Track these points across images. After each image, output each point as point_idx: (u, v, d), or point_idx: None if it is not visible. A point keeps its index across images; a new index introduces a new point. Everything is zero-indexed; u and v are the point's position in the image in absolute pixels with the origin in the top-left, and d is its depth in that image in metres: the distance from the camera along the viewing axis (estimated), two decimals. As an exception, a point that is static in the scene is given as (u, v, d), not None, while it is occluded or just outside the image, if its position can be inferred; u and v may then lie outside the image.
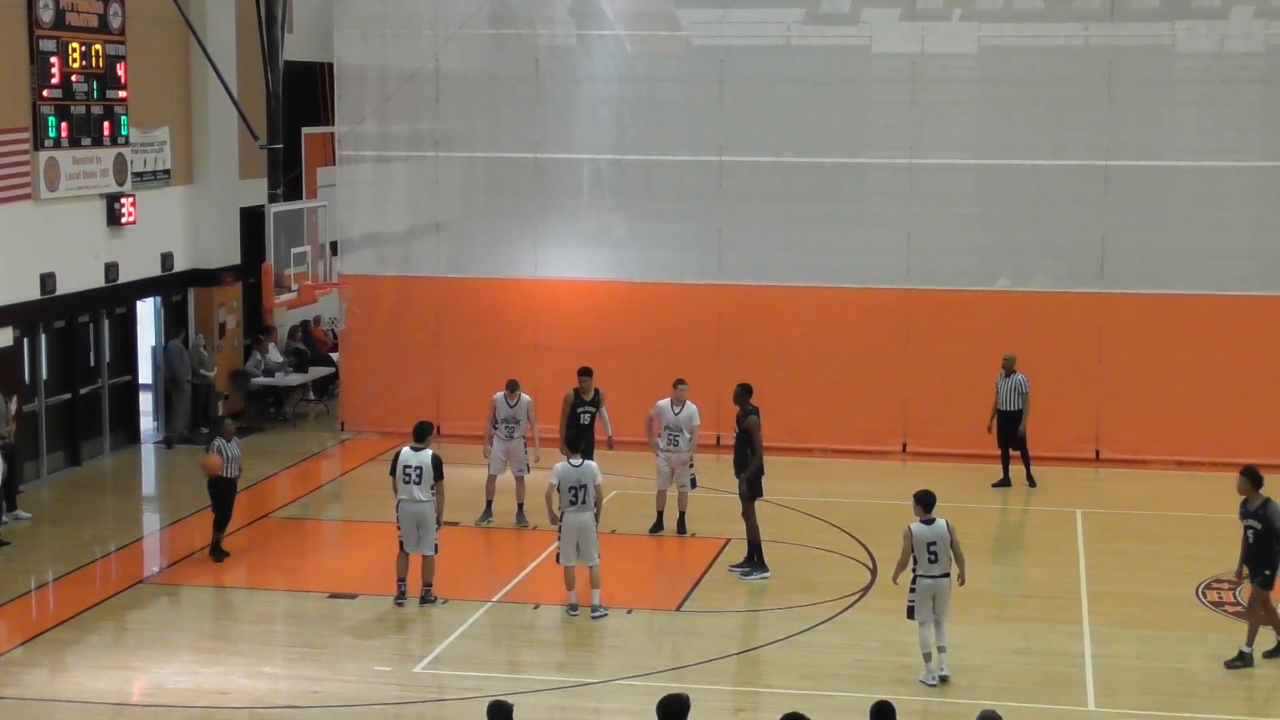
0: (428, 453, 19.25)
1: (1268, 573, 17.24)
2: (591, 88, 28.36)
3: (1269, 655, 17.38)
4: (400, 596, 19.19)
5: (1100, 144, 26.75)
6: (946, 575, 16.75)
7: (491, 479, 22.72)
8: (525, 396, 22.70)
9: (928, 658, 16.81)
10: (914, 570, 16.77)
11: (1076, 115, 26.97)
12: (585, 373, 22.71)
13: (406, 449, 19.30)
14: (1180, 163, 26.74)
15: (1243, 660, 17.28)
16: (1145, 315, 26.73)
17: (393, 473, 19.28)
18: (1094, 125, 26.85)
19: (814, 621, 18.61)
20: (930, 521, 16.73)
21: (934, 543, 16.64)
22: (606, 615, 18.76)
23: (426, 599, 19.18)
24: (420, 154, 28.88)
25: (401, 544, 19.23)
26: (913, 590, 16.82)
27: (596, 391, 22.64)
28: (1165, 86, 27.02)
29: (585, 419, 22.39)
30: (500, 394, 22.66)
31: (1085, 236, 26.96)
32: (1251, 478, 17.38)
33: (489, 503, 22.75)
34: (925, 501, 16.83)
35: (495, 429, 22.67)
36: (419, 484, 19.08)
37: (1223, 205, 26.88)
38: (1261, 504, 17.25)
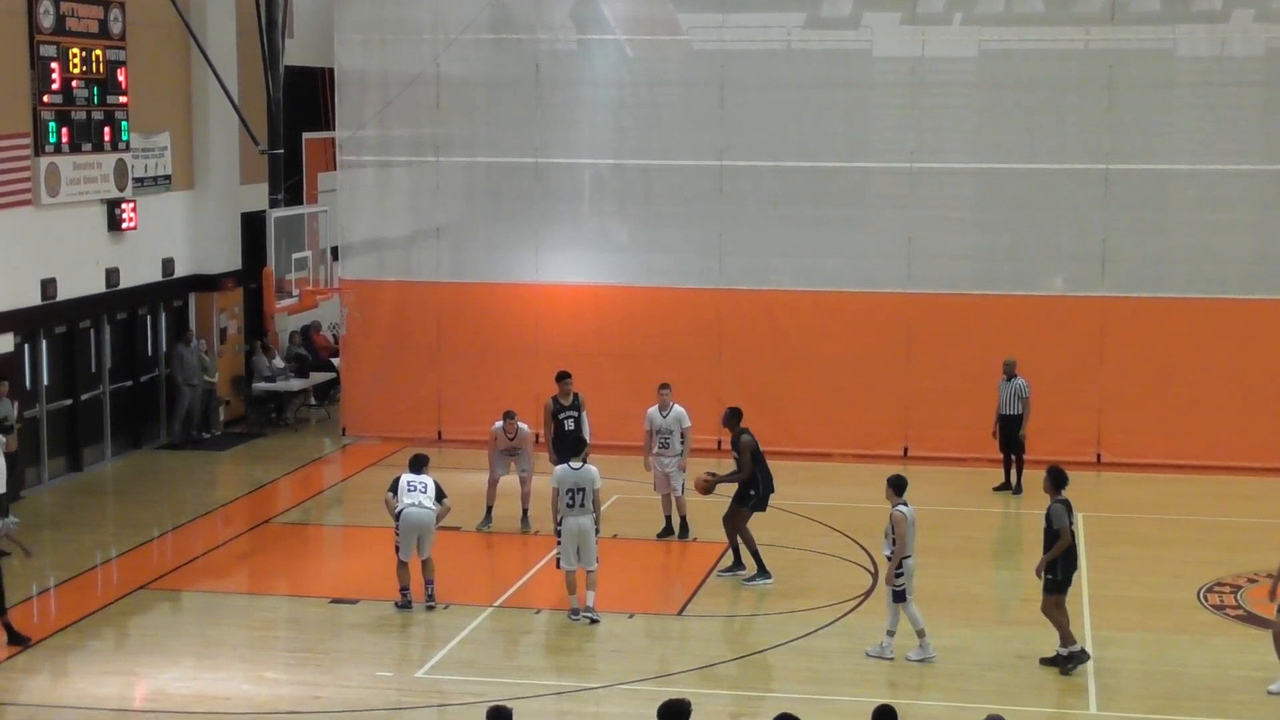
0: (428, 476, 19.45)
1: (1058, 577, 17.21)
2: (592, 92, 28.37)
3: (1045, 662, 17.32)
4: (405, 604, 19.18)
5: (1100, 147, 26.76)
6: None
7: (493, 483, 22.70)
8: (523, 427, 22.61)
9: (922, 634, 17.46)
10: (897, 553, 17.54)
11: (1077, 119, 27.00)
12: (563, 377, 22.58)
13: (405, 474, 19.46)
14: (1181, 166, 26.76)
15: (1066, 661, 17.26)
16: (1146, 318, 26.73)
17: (393, 490, 19.31)
18: (1094, 129, 26.86)
19: (815, 626, 18.61)
20: (906, 504, 17.65)
21: (914, 523, 17.65)
22: (599, 621, 18.74)
23: (430, 598, 19.19)
24: (421, 159, 28.89)
25: (399, 554, 19.18)
26: (900, 574, 17.49)
27: (576, 396, 22.57)
28: (1165, 90, 27.03)
29: (569, 424, 22.27)
30: (499, 424, 22.56)
31: (1086, 240, 26.97)
32: (1050, 479, 17.50)
33: (489, 508, 22.74)
34: (900, 486, 17.73)
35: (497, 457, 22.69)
36: (425, 494, 19.17)
37: (1223, 208, 26.89)
38: (1049, 506, 17.32)
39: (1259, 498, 25.05)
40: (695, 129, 27.98)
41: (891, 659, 17.46)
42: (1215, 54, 26.93)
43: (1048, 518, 17.25)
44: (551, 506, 19.23)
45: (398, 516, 19.15)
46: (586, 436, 22.09)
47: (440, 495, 19.36)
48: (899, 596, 17.51)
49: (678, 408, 22.06)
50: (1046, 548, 17.24)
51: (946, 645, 17.86)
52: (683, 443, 22.03)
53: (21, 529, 22.64)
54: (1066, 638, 17.26)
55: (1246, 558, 21.27)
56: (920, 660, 17.44)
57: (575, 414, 22.38)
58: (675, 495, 22.18)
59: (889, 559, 17.61)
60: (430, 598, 19.21)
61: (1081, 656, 17.23)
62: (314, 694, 16.67)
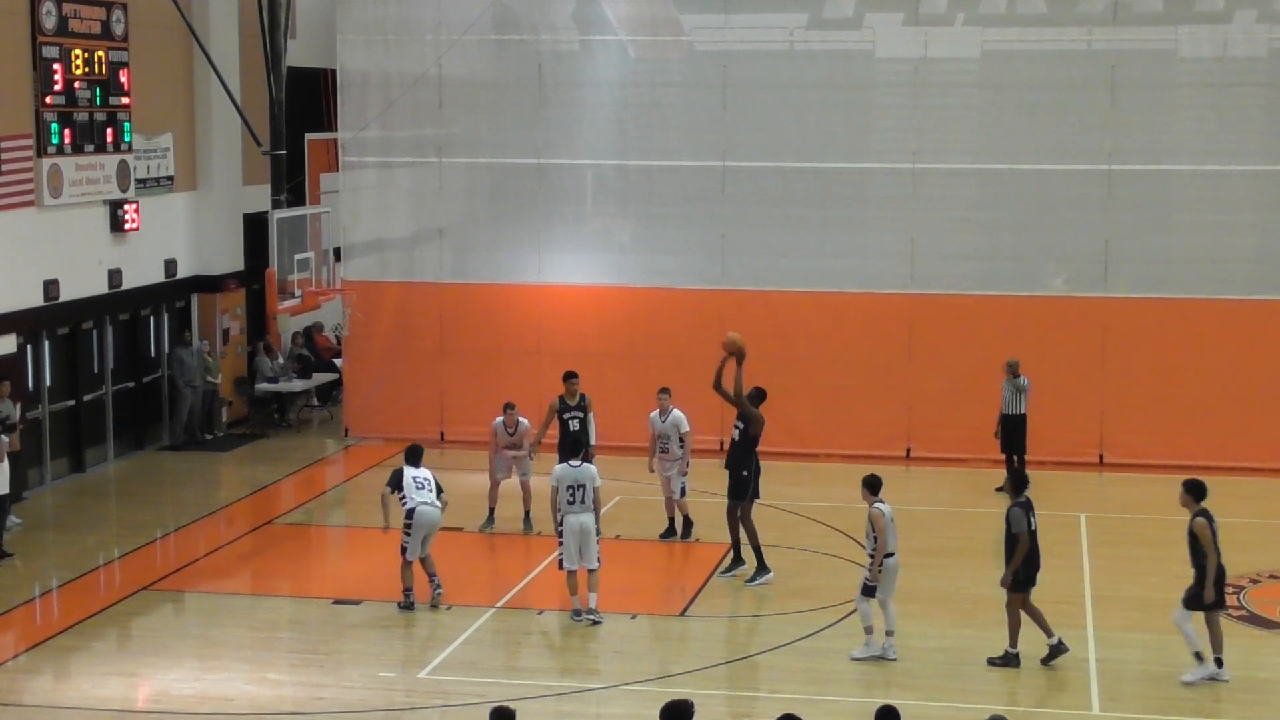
0: (427, 470, 19.44)
1: (1021, 576, 17.38)
2: (594, 93, 28.38)
3: (993, 663, 17.43)
4: (409, 605, 19.16)
5: (1103, 148, 26.77)
6: None
7: (494, 485, 22.69)
8: (524, 421, 22.55)
9: (870, 630, 17.53)
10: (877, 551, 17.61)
11: (1079, 119, 26.99)
12: (569, 376, 22.56)
13: (407, 468, 19.38)
14: (1183, 167, 26.78)
15: (1007, 661, 17.42)
16: (1149, 319, 26.74)
17: (398, 486, 19.22)
18: (1097, 129, 26.87)
19: (817, 626, 18.60)
20: (882, 501, 17.67)
21: (892, 520, 17.63)
22: (601, 622, 18.75)
23: (437, 591, 19.22)
24: (423, 160, 28.91)
25: (406, 554, 19.17)
26: (878, 569, 17.52)
27: (583, 396, 22.53)
28: (1168, 90, 27.03)
29: (574, 425, 22.24)
30: (499, 419, 22.49)
31: (1089, 241, 26.98)
32: (1011, 481, 17.73)
33: (491, 509, 22.74)
34: (875, 485, 17.79)
35: (499, 453, 22.60)
36: (432, 491, 19.18)
37: (1226, 209, 26.90)
38: (1008, 509, 17.46)
39: (1261, 498, 25.05)
40: (698, 130, 27.98)
41: (895, 659, 17.46)
42: (1218, 55, 26.93)
43: (1006, 521, 17.39)
44: (551, 505, 19.24)
45: (410, 514, 19.07)
46: (592, 438, 22.07)
47: (439, 490, 19.36)
48: (868, 591, 17.59)
49: (676, 412, 21.97)
50: (1006, 550, 17.42)
51: (949, 646, 17.91)
52: (682, 447, 21.95)
53: (24, 530, 22.75)
54: (1014, 639, 17.43)
55: (1248, 558, 21.25)
56: (863, 659, 17.49)
57: (580, 415, 22.33)
58: (675, 499, 22.09)
59: (871, 557, 17.65)
60: (438, 587, 19.20)
61: (1014, 661, 17.37)
62: (316, 695, 16.68)
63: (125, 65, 26.50)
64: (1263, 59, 26.97)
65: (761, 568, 20.35)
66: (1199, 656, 16.98)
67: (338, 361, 30.78)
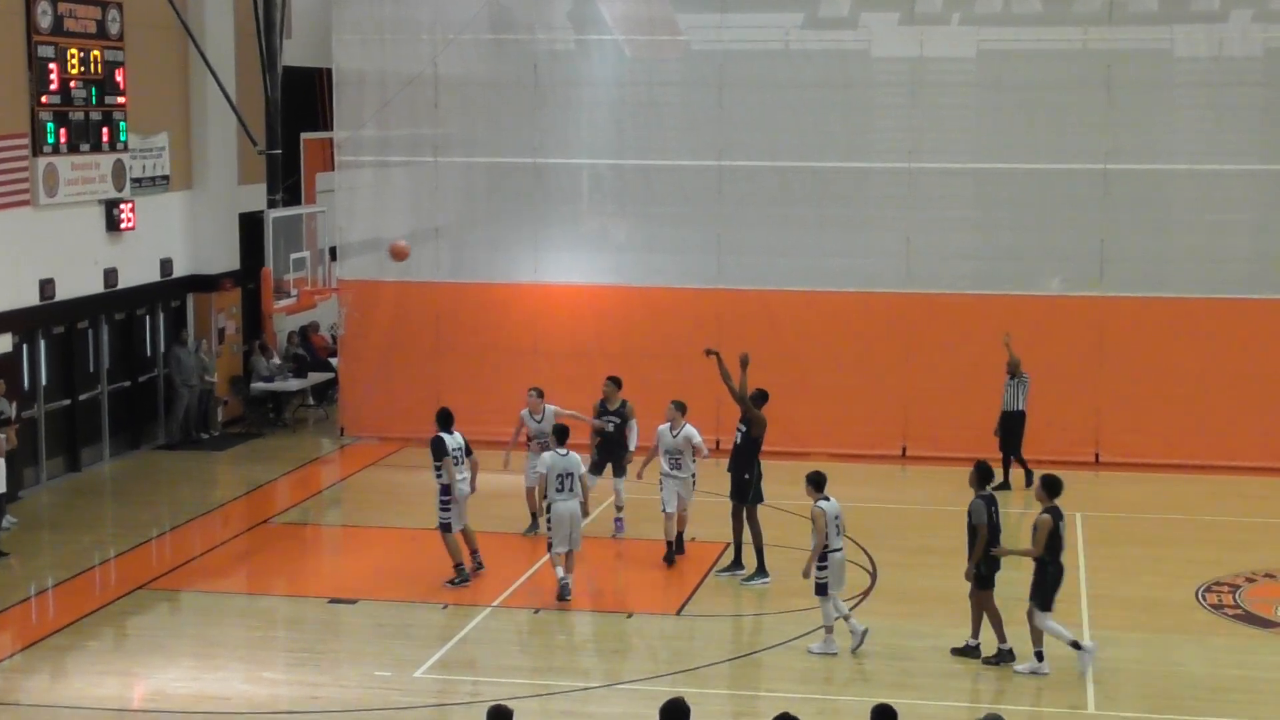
0: (460, 436, 20.11)
1: (984, 571, 17.44)
2: (591, 92, 28.37)
3: (988, 662, 17.45)
4: (464, 579, 19.94)
5: (1099, 148, 26.77)
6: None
7: (530, 490, 22.38)
8: (550, 408, 22.27)
9: (831, 630, 17.67)
10: (824, 547, 17.69)
11: (1076, 119, 27.01)
12: (609, 381, 22.42)
13: (444, 435, 19.93)
14: (1179, 166, 26.79)
15: (1001, 658, 17.47)
16: (1145, 318, 26.74)
17: (443, 455, 19.78)
18: (1093, 129, 26.87)
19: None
20: (827, 499, 17.77)
21: (838, 516, 17.73)
22: (570, 594, 19.25)
23: (479, 567, 20.21)
24: (419, 159, 28.90)
25: (450, 525, 19.85)
26: (824, 567, 17.68)
27: (624, 403, 22.38)
28: (1164, 90, 27.04)
29: (609, 428, 22.21)
30: (525, 410, 22.27)
31: (1085, 240, 26.98)
32: (976, 473, 17.74)
33: (534, 515, 22.31)
34: (820, 482, 17.90)
35: (528, 444, 22.35)
36: (465, 466, 20.02)
37: (1222, 208, 26.91)
38: (971, 501, 17.46)
39: (1258, 497, 25.06)
40: (694, 129, 27.98)
41: (865, 628, 17.66)
42: (1213, 54, 26.96)
43: (968, 514, 17.40)
44: (537, 493, 19.99)
45: (446, 490, 19.80)
46: (631, 444, 22.13)
47: (468, 451, 20.07)
48: (821, 590, 17.67)
49: (689, 428, 21.24)
50: (970, 544, 17.39)
51: (946, 645, 17.86)
52: (694, 461, 21.42)
53: (20, 529, 22.72)
54: (1001, 635, 17.46)
55: (1245, 557, 21.30)
56: (821, 654, 17.63)
57: (617, 419, 22.21)
58: (683, 512, 21.65)
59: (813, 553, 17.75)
60: (479, 564, 20.25)
61: (1009, 658, 17.37)
62: (313, 694, 16.67)
63: (121, 65, 26.47)
64: (1258, 58, 27.00)
65: (760, 570, 20.34)
66: (1066, 644, 17.14)
67: (333, 361, 30.75)
